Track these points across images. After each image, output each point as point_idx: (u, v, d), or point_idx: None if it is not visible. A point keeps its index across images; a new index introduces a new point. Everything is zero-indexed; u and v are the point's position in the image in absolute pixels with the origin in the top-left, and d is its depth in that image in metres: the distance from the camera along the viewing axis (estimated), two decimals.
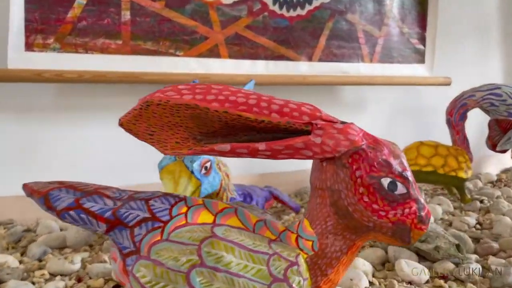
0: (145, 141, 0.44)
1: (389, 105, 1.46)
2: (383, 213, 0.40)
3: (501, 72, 1.69)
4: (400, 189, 0.40)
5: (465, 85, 1.19)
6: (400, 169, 0.41)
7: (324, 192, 0.42)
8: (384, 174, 0.40)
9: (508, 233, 0.84)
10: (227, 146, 0.40)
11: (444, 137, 1.20)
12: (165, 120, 0.41)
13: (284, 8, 1.14)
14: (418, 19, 1.34)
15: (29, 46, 0.89)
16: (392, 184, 0.40)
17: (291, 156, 0.41)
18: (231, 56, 1.09)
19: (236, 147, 0.40)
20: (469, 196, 1.16)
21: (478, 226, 0.92)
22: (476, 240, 0.82)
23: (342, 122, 0.43)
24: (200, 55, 1.05)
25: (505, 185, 1.37)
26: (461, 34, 1.53)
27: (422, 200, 0.42)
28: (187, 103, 0.38)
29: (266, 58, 1.13)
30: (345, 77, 1.22)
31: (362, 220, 0.41)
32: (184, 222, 0.41)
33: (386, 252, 0.73)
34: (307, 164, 1.40)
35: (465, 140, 1.18)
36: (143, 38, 0.99)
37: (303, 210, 1.10)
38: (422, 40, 1.36)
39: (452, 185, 1.18)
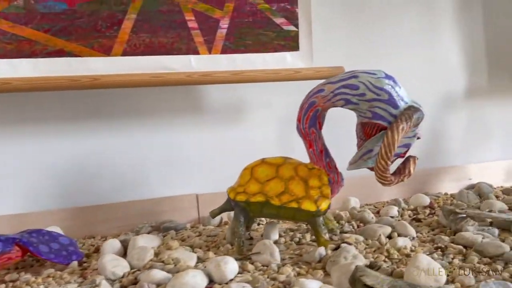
0: None
1: (281, 110, 1.11)
2: None
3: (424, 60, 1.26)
4: None
5: None
6: None
7: None
8: None
9: None
10: None
11: None
12: None
13: None
14: None
15: None
16: None
17: None
18: None
19: None
20: (326, 237, 0.79)
21: None
22: None
23: None
24: None
25: (414, 219, 0.96)
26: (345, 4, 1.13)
27: None
28: None
29: (35, 55, 0.84)
30: (163, 75, 0.90)
31: None
32: None
33: None
34: (143, 193, 1.01)
35: (322, 154, 0.81)
36: None
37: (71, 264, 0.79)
38: (294, 19, 1.00)
39: (301, 221, 0.81)
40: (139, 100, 1.02)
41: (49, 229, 0.88)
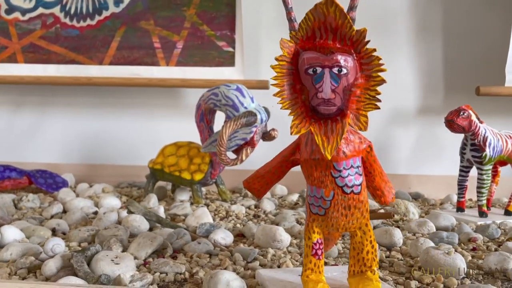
0: None
1: None
2: None
3: None
4: None
5: None
6: None
7: None
8: None
9: None
10: None
11: None
12: None
13: (75, 20, 1.35)
14: (227, 21, 1.32)
15: None
16: None
17: None
18: (27, 61, 1.36)
19: None
20: (200, 198, 1.12)
21: None
22: None
23: None
24: (1, 61, 1.35)
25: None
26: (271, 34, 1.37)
27: None
28: None
29: (58, 62, 1.35)
30: (133, 79, 1.33)
31: None
32: None
33: None
34: (132, 160, 1.49)
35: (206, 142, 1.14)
36: None
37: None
38: (232, 43, 1.32)
39: (185, 185, 1.15)
40: (132, 95, 1.47)
41: (65, 175, 1.39)
